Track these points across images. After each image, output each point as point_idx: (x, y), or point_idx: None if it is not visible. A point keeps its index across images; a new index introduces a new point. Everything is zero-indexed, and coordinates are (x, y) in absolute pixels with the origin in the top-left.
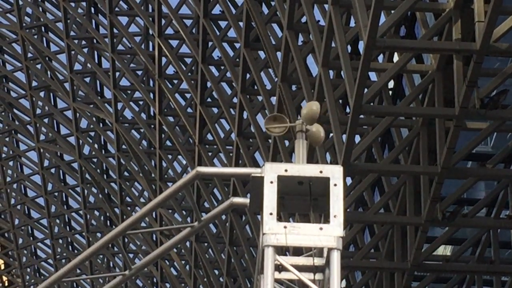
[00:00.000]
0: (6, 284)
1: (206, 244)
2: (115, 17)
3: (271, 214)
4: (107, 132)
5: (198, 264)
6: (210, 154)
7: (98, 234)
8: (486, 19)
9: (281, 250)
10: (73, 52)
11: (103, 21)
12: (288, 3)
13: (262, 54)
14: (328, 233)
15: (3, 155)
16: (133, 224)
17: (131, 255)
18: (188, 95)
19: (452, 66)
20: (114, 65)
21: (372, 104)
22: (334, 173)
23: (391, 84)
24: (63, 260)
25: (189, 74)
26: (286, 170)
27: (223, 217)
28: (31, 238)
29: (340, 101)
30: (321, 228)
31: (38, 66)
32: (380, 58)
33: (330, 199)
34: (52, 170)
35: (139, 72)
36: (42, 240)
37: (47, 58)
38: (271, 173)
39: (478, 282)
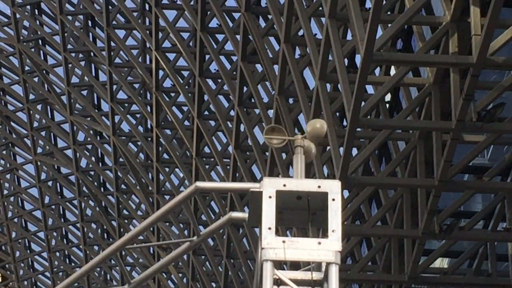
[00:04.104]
0: None
1: (203, 256)
2: (112, 31)
3: (269, 228)
4: (104, 145)
5: (196, 276)
6: (207, 167)
7: (95, 247)
8: (482, 32)
9: (279, 264)
10: (70, 65)
11: (100, 34)
12: (285, 17)
13: (259, 67)
14: (327, 248)
15: (0, 168)
16: (132, 238)
17: (128, 268)
18: (185, 108)
19: (449, 79)
20: (111, 78)
21: (369, 117)
22: (333, 188)
23: (388, 97)
24: (60, 273)
25: (186, 87)
26: (284, 185)
27: (221, 230)
28: (28, 251)
29: (337, 114)
30: (319, 243)
31: (36, 79)
32: (377, 71)
33: (328, 214)
34: (49, 183)
35: (136, 85)
36: (39, 253)
37: (44, 71)
38: (269, 188)
39: None
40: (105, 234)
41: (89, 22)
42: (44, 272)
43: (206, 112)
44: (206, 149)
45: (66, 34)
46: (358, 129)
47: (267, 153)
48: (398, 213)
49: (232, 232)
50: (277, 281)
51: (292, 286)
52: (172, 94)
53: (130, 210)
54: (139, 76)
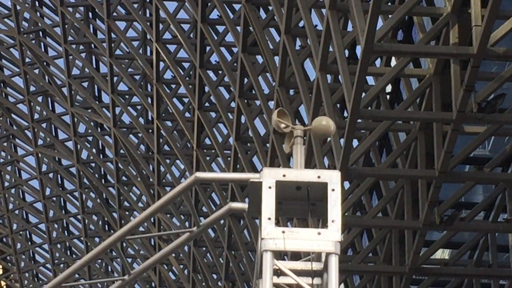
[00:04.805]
0: None
1: (204, 248)
2: (113, 22)
3: (269, 219)
4: (105, 136)
5: (197, 268)
6: (208, 158)
7: (97, 239)
8: (483, 23)
9: (279, 255)
10: (71, 57)
11: (101, 26)
12: (286, 8)
13: (260, 58)
14: (326, 238)
15: (1, 160)
16: (132, 229)
17: (129, 260)
18: (186, 100)
19: (450, 70)
20: (112, 69)
21: (369, 108)
22: (332, 178)
23: (388, 88)
24: (62, 265)
25: (187, 78)
26: (284, 175)
27: (221, 221)
28: (29, 243)
29: (338, 105)
30: (319, 233)
31: (36, 71)
32: (378, 62)
33: (328, 204)
34: (50, 175)
35: (137, 77)
36: (40, 245)
37: (45, 63)
38: (269, 178)
39: (476, 286)
40: (106, 226)
41: (90, 14)
42: (45, 264)
43: (206, 104)
44: (207, 141)
45: (66, 26)
46: (359, 120)
47: (267, 145)
48: (399, 204)
49: (233, 223)
50: (277, 272)
51: (292, 276)
52: (173, 86)
53: (131, 201)
54: (140, 67)
